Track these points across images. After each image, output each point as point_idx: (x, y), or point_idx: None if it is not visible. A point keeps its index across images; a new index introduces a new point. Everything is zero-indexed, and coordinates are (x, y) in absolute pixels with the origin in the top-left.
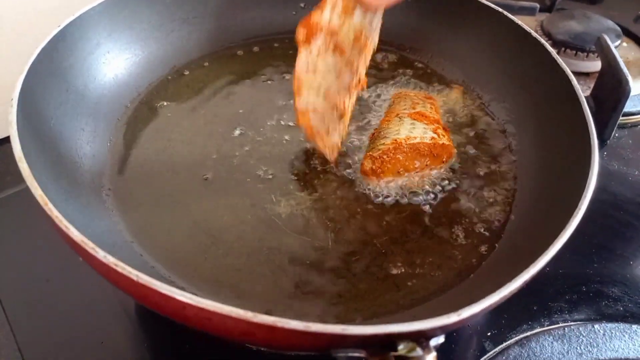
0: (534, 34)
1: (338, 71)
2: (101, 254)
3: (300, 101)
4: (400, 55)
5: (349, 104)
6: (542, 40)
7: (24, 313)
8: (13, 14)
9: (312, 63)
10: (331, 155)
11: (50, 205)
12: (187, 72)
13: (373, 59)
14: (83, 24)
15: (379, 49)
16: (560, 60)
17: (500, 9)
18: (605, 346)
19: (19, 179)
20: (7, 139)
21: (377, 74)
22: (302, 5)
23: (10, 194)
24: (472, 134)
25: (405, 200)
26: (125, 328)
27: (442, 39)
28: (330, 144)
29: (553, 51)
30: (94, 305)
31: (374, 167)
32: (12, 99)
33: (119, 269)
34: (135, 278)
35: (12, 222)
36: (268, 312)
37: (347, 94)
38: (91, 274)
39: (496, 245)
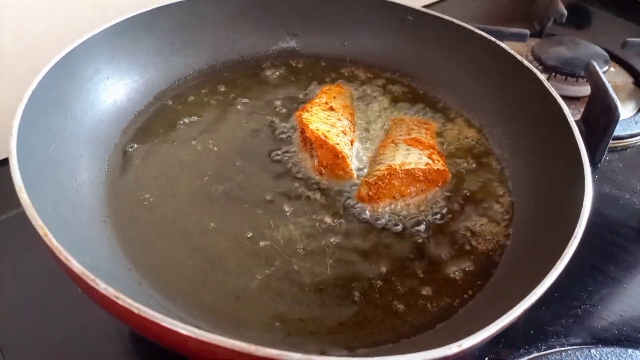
0: (525, 62)
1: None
2: (102, 286)
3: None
4: (397, 81)
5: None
6: (534, 69)
7: (17, 340)
8: (12, 39)
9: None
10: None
11: (51, 237)
12: (185, 98)
13: (371, 85)
14: (84, 51)
15: (376, 75)
16: (551, 88)
17: (492, 38)
18: None
19: (13, 203)
20: (2, 162)
21: (375, 98)
22: (300, 33)
23: (3, 219)
24: (467, 159)
25: (402, 227)
26: (120, 354)
27: (437, 66)
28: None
29: (544, 79)
30: (89, 331)
31: (370, 193)
32: (12, 128)
33: (120, 302)
34: (136, 311)
35: (6, 247)
36: (269, 343)
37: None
38: (86, 301)
39: (494, 272)
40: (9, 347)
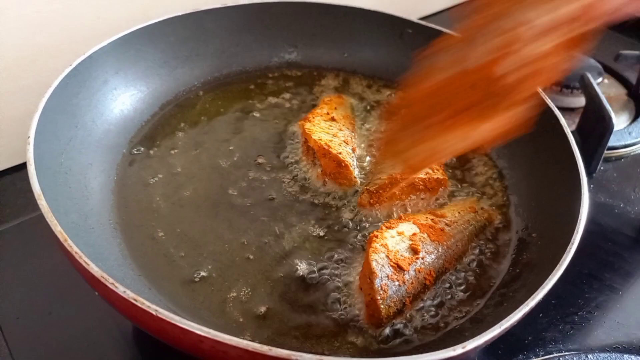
0: None
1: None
2: (121, 290)
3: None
4: (396, 92)
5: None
6: None
7: (26, 345)
8: (18, 51)
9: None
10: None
11: (70, 242)
12: (190, 107)
13: (371, 95)
14: (92, 62)
15: (376, 86)
16: (547, 99)
17: None
18: None
19: (19, 212)
20: (5, 172)
21: (375, 108)
22: (301, 45)
23: (9, 227)
24: (465, 169)
25: None
26: (126, 358)
27: None
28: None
29: (540, 89)
30: (95, 336)
31: (371, 200)
32: (28, 137)
33: (139, 304)
34: (154, 313)
35: (13, 255)
36: (281, 344)
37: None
38: (93, 306)
39: (494, 279)
40: (19, 352)
